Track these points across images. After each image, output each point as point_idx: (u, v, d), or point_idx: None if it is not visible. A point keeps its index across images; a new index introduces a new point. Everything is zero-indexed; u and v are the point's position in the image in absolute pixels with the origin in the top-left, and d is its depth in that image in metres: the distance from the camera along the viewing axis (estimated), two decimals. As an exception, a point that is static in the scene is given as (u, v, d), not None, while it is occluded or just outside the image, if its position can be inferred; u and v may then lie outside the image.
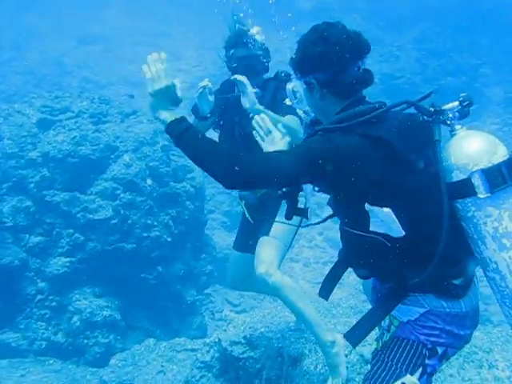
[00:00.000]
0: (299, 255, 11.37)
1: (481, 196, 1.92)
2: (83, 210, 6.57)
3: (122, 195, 6.62)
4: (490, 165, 1.91)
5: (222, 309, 9.63)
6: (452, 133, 2.05)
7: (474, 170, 1.92)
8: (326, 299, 2.33)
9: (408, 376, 2.09)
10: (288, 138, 2.46)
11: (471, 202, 1.95)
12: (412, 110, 2.14)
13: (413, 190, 2.02)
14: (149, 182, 6.82)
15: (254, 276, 3.45)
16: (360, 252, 2.13)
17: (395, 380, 2.10)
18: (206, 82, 3.42)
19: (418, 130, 2.08)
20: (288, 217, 2.37)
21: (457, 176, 1.97)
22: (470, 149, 1.96)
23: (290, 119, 3.38)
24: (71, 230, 6.61)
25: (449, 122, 2.06)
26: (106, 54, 18.80)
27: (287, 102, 3.09)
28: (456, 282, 2.08)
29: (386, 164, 1.99)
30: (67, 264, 6.52)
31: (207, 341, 4.76)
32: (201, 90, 3.39)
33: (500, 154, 1.93)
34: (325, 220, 2.36)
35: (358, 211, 2.09)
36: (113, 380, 5.10)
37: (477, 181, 1.92)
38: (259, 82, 3.63)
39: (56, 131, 6.95)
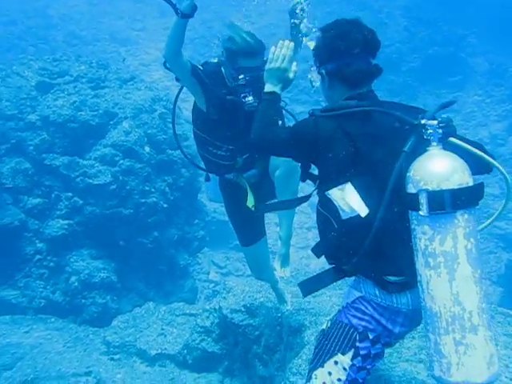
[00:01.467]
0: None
1: (421, 213, 2.01)
2: (82, 175, 6.74)
3: (121, 161, 6.80)
4: (437, 188, 1.99)
5: (209, 271, 9.97)
6: (426, 149, 2.12)
7: (423, 188, 2.01)
8: (303, 297, 2.50)
9: (339, 355, 2.32)
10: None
11: (415, 216, 2.05)
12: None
13: (366, 186, 2.19)
14: (147, 149, 7.00)
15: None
16: (319, 229, 2.40)
17: (329, 358, 2.34)
18: None
19: (395, 137, 2.19)
20: (302, 179, 2.57)
21: (410, 188, 2.06)
22: (427, 168, 2.04)
23: None
24: (70, 194, 6.78)
25: (426, 138, 2.13)
26: (91, 7, 18.47)
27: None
28: (391, 278, 2.23)
29: (348, 157, 2.20)
30: (65, 226, 6.72)
31: (207, 307, 5.03)
32: None
33: (452, 182, 1.99)
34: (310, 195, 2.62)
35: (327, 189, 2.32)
36: (116, 341, 5.36)
37: (422, 199, 2.01)
38: (254, 88, 3.60)
39: (55, 95, 7.05)
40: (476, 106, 15.05)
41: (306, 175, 2.53)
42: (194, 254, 7.99)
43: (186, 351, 4.96)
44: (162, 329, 5.39)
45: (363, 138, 2.24)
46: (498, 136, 14.14)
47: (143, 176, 6.90)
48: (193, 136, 3.97)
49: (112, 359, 5.22)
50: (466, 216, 2.00)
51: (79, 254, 6.76)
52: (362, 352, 2.33)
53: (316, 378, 2.39)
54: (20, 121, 6.86)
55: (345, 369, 2.34)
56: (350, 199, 2.22)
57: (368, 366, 2.36)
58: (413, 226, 2.07)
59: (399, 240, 2.17)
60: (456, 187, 1.98)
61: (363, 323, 2.32)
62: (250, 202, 3.83)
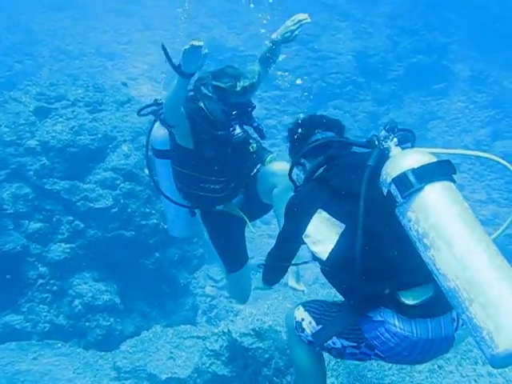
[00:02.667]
0: (276, 231, 11.80)
1: (398, 202, 2.09)
2: (83, 199, 6.82)
3: (121, 185, 6.90)
4: (399, 173, 2.09)
5: (205, 285, 10.04)
6: (388, 156, 2.27)
7: (389, 181, 2.12)
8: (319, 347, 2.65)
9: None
10: None
11: (398, 211, 2.12)
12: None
13: (350, 215, 2.28)
14: (146, 171, 7.09)
15: None
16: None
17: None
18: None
19: (361, 163, 2.36)
20: None
21: (384, 191, 2.17)
22: (390, 165, 2.17)
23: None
24: (71, 217, 6.85)
25: (383, 148, 2.31)
26: (76, 22, 18.43)
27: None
28: (406, 300, 2.19)
29: (331, 198, 2.43)
30: (67, 250, 6.79)
31: (215, 330, 5.13)
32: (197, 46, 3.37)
33: (412, 164, 2.09)
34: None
35: None
36: (127, 366, 5.45)
37: (393, 190, 2.10)
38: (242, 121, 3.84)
39: (54, 120, 7.12)
40: (460, 113, 15.29)
41: None
42: (194, 272, 8.09)
43: (196, 375, 5.06)
44: (171, 352, 5.48)
45: (338, 178, 2.47)
46: (483, 142, 14.37)
47: (144, 198, 7.01)
48: (172, 175, 4.00)
49: (123, 385, 5.33)
50: (437, 187, 2.05)
51: (82, 277, 6.83)
52: (357, 351, 2.48)
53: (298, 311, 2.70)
54: (19, 146, 6.92)
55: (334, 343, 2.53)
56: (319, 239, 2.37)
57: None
58: (402, 222, 2.13)
59: (392, 248, 2.20)
60: (417, 166, 2.08)
61: (376, 342, 2.36)
62: (250, 224, 4.04)
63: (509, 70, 15.88)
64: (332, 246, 2.31)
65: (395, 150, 2.28)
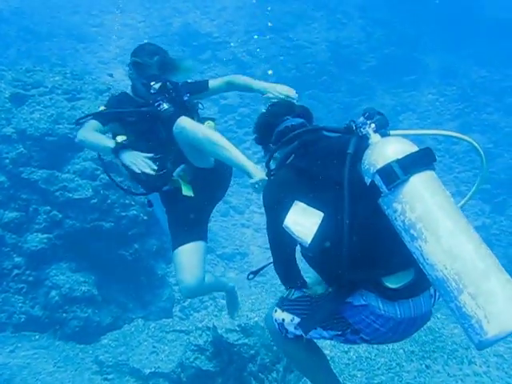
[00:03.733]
0: (250, 221, 11.83)
1: (383, 193, 2.09)
2: (62, 189, 6.70)
3: (101, 175, 6.79)
4: (382, 165, 2.09)
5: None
6: (367, 143, 2.27)
7: (374, 171, 2.11)
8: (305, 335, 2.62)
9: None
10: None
11: (382, 202, 2.12)
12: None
13: (326, 201, 2.32)
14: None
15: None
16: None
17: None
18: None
19: (339, 149, 2.36)
20: None
21: (367, 180, 2.16)
22: (372, 154, 2.16)
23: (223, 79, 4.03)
24: (48, 207, 6.74)
25: (361, 134, 2.30)
26: (44, 0, 18.01)
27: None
28: (390, 284, 2.24)
29: (308, 184, 2.41)
30: (45, 240, 6.68)
31: (199, 325, 5.14)
32: None
33: (396, 154, 2.10)
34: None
35: None
36: (109, 360, 5.42)
37: (378, 181, 2.10)
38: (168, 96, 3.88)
39: (31, 107, 6.97)
40: (430, 105, 15.48)
41: None
42: (171, 263, 8.05)
43: (180, 369, 5.06)
44: (154, 346, 5.47)
45: (310, 164, 2.46)
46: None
47: (123, 189, 6.91)
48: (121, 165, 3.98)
49: (106, 379, 5.28)
50: (422, 177, 2.08)
51: (59, 268, 6.73)
52: (342, 338, 2.50)
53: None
54: (-5, 134, 6.77)
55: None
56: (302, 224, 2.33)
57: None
58: (386, 212, 2.13)
59: (377, 236, 2.23)
60: (400, 156, 2.09)
61: (361, 326, 2.38)
62: (186, 190, 3.84)
63: (477, 64, 16.13)
64: (312, 233, 2.31)
65: (375, 137, 2.27)
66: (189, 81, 4.08)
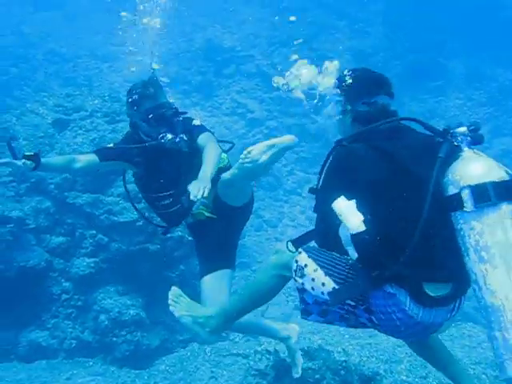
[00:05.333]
0: (284, 234, 11.77)
1: (467, 210, 2.10)
2: (107, 212, 6.72)
3: (145, 198, 6.78)
4: (479, 182, 2.10)
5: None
6: (458, 154, 2.27)
7: (465, 185, 2.12)
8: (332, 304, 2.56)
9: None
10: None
11: (460, 215, 2.13)
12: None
13: (401, 193, 2.32)
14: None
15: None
16: None
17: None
18: None
19: (428, 148, 2.37)
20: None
21: (451, 190, 2.17)
22: (465, 168, 2.17)
23: (206, 140, 3.89)
24: (94, 231, 6.76)
25: (456, 144, 2.29)
26: (68, 22, 18.17)
27: (196, 122, 4.01)
28: (428, 291, 2.29)
29: (385, 171, 2.37)
30: (92, 264, 6.69)
31: (258, 348, 5.07)
32: None
33: (492, 176, 2.10)
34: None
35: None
36: (174, 386, 5.38)
37: (465, 195, 2.11)
38: (169, 126, 3.96)
39: (73, 132, 7.02)
40: (458, 110, 15.34)
41: None
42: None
43: (241, 394, 5.01)
44: (212, 371, 5.42)
45: (397, 151, 2.41)
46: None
47: (168, 211, 6.91)
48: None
49: (167, 406, 5.25)
50: (510, 207, 2.08)
51: (106, 292, 6.73)
52: (351, 310, 2.49)
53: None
54: (39, 160, 6.79)
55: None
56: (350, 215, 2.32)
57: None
58: (459, 227, 2.15)
59: (441, 244, 2.25)
60: (497, 180, 2.10)
61: (379, 309, 2.41)
62: (201, 214, 3.88)
63: (503, 67, 15.98)
64: (358, 226, 2.31)
65: (468, 152, 2.26)
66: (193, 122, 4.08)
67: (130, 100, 4.04)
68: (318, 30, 15.83)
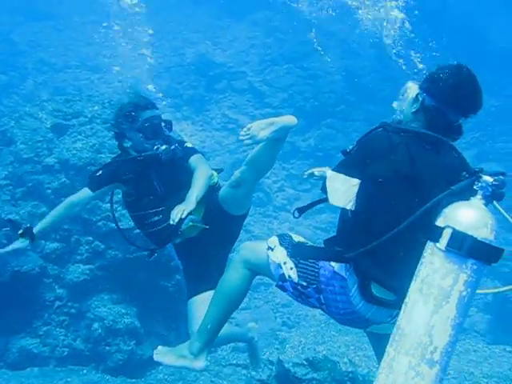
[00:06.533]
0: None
1: (438, 245, 2.18)
2: (105, 219, 6.63)
3: (144, 205, 6.72)
4: (462, 231, 2.15)
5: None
6: (470, 196, 2.30)
7: (450, 225, 2.18)
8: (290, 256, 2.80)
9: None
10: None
11: (431, 246, 2.22)
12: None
13: (402, 197, 2.43)
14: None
15: None
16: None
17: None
18: None
19: (451, 175, 2.42)
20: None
21: (439, 222, 2.24)
22: (463, 212, 2.21)
23: (197, 161, 4.06)
24: (90, 238, 6.66)
25: (475, 188, 2.31)
26: (58, 33, 18.12)
27: (188, 144, 4.20)
28: (374, 290, 2.48)
29: (402, 172, 2.45)
30: (87, 271, 6.59)
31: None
32: None
33: (478, 233, 2.14)
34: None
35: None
36: (171, 393, 5.29)
37: (445, 233, 2.18)
38: (165, 138, 4.14)
39: (72, 137, 6.94)
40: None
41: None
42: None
43: (242, 404, 4.94)
44: (212, 381, 5.33)
45: (426, 160, 2.48)
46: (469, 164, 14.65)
47: (167, 219, 6.85)
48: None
49: (166, 415, 5.14)
50: (475, 267, 2.14)
51: (100, 299, 6.61)
52: (303, 291, 2.71)
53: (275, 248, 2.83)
54: (37, 164, 6.72)
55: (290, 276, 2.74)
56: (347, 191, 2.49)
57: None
58: (425, 254, 2.23)
59: (406, 258, 2.34)
60: (479, 239, 2.14)
61: (328, 288, 2.63)
62: (191, 231, 3.94)
63: (490, 93, 16.24)
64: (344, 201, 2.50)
65: (477, 200, 2.28)
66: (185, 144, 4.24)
67: (126, 113, 4.13)
68: (309, 50, 15.94)
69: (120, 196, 6.61)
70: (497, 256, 2.17)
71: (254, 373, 4.93)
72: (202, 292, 3.90)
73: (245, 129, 3.36)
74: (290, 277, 2.72)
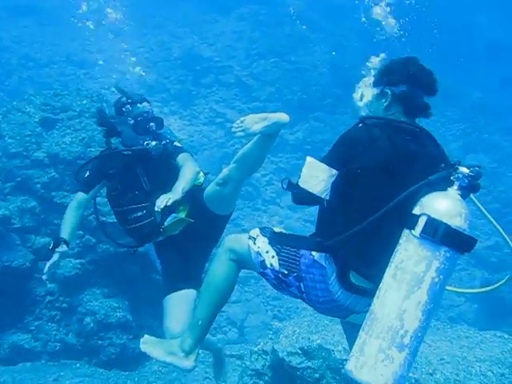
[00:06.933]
0: (261, 244, 11.75)
1: (413, 232, 2.25)
2: (95, 213, 6.59)
3: (135, 199, 6.70)
4: (436, 218, 2.21)
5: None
6: (446, 187, 2.35)
7: (425, 213, 2.24)
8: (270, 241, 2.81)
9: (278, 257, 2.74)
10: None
11: (406, 233, 2.28)
12: None
13: (380, 186, 2.46)
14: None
15: None
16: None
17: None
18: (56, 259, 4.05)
19: (428, 165, 2.47)
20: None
21: (415, 210, 2.30)
22: (439, 201, 2.27)
23: (185, 159, 4.09)
24: (81, 232, 6.62)
25: (451, 178, 2.36)
26: (42, 28, 17.97)
27: (177, 144, 4.23)
28: (353, 279, 2.53)
29: (382, 162, 2.46)
30: (78, 266, 6.56)
31: (254, 349, 5.03)
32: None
33: (452, 221, 2.21)
34: None
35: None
36: (166, 388, 5.28)
37: (420, 221, 2.24)
38: (155, 134, 4.20)
39: (62, 131, 6.90)
40: (431, 126, 15.48)
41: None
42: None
43: (237, 395, 4.95)
44: (206, 372, 5.35)
45: (404, 150, 2.50)
46: (455, 155, 14.73)
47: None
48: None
49: (161, 407, 5.14)
50: (447, 255, 2.21)
51: (92, 294, 6.59)
52: (283, 280, 2.73)
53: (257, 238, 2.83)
54: (25, 158, 6.67)
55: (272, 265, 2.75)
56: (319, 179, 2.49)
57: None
58: (400, 241, 2.30)
59: (383, 247, 2.38)
60: (453, 226, 2.21)
61: (307, 276, 2.66)
62: (174, 228, 3.89)
63: (474, 86, 16.38)
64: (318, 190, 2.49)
65: (453, 191, 2.34)
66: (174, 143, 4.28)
67: (119, 106, 4.19)
68: (296, 44, 15.96)
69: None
70: (469, 245, 2.23)
71: (248, 363, 4.95)
72: (180, 290, 3.87)
73: (238, 121, 3.39)
74: (271, 265, 2.74)
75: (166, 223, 3.84)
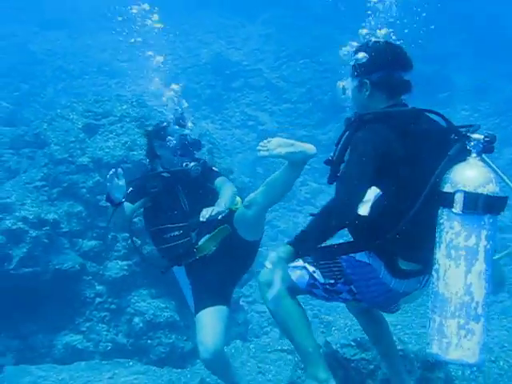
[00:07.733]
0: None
1: (454, 210, 2.31)
2: (140, 215, 6.70)
3: (180, 201, 6.81)
4: (473, 191, 2.28)
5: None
6: (466, 157, 2.42)
7: (460, 189, 2.31)
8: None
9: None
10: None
11: (446, 213, 2.34)
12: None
13: (405, 179, 2.49)
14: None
15: None
16: None
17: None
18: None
19: (441, 141, 2.53)
20: (330, 182, 2.84)
21: (447, 188, 2.36)
22: (467, 173, 2.34)
23: (223, 181, 4.23)
24: (126, 234, 6.75)
25: (468, 148, 2.43)
26: (73, 41, 18.30)
27: (214, 168, 4.41)
28: (402, 266, 2.58)
29: (401, 152, 2.51)
30: (125, 267, 6.69)
31: (306, 342, 5.04)
32: (111, 174, 3.91)
33: (486, 189, 2.29)
34: None
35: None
36: (218, 382, 5.33)
37: (457, 198, 2.31)
38: (193, 157, 4.33)
39: (104, 136, 7.05)
40: (465, 121, 15.43)
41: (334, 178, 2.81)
42: (243, 287, 8.02)
43: (292, 388, 4.97)
44: (258, 367, 5.38)
45: (414, 135, 2.55)
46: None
47: (202, 213, 6.93)
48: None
49: (216, 401, 5.19)
50: (491, 221, 2.30)
51: (139, 294, 6.72)
52: (332, 289, 2.76)
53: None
54: (71, 164, 6.83)
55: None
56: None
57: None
58: (441, 221, 2.36)
59: (424, 231, 2.46)
60: (490, 194, 2.29)
61: (356, 277, 2.69)
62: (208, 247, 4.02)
63: (506, 79, 16.18)
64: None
65: (474, 159, 2.40)
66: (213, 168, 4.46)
67: (157, 130, 4.36)
68: (324, 45, 15.98)
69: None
70: (504, 205, 2.34)
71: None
72: (210, 306, 3.90)
73: (265, 141, 3.43)
74: (316, 280, 2.76)
75: (199, 243, 4.00)
